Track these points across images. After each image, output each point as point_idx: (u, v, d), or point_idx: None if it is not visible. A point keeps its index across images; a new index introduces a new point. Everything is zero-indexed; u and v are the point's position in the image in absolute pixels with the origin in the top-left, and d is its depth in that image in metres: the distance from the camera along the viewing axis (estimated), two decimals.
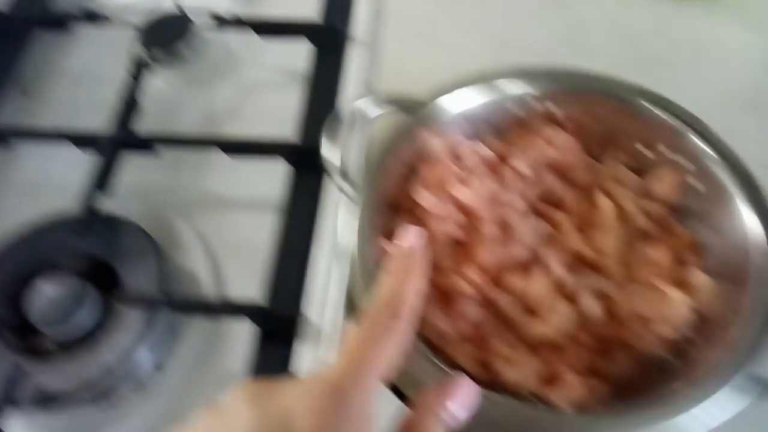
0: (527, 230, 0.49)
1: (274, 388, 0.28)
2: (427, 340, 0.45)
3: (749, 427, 0.49)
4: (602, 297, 0.46)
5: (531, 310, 0.46)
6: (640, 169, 0.53)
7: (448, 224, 0.48)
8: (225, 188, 0.70)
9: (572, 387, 0.42)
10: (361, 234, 0.46)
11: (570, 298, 0.46)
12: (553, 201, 0.53)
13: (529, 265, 0.48)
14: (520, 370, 0.43)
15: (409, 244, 0.34)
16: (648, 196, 0.52)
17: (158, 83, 0.80)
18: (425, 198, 0.48)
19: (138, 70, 0.73)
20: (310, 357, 0.55)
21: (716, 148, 0.48)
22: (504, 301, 0.46)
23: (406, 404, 0.41)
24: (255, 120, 0.75)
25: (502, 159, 0.53)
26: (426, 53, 0.64)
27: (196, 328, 0.60)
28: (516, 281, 0.46)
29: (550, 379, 0.44)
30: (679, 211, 0.51)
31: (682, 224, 0.51)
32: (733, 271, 0.45)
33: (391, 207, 0.51)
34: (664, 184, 0.51)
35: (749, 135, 0.67)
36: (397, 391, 0.42)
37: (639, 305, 0.45)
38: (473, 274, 0.46)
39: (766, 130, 0.67)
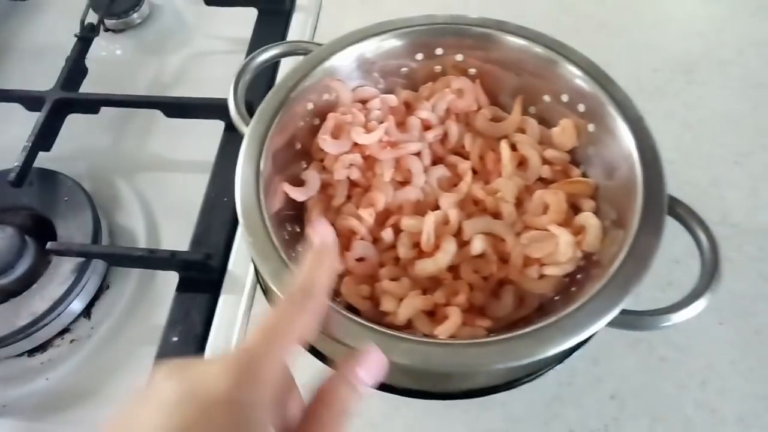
0: (428, 176, 0.51)
1: (193, 361, 0.30)
2: None
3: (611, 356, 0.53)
4: (494, 239, 0.47)
5: (421, 250, 0.47)
6: (546, 119, 0.53)
7: (350, 169, 0.50)
8: (166, 150, 0.72)
9: (454, 322, 0.43)
10: (245, 180, 0.44)
11: (461, 239, 0.47)
12: (459, 151, 0.54)
13: (425, 208, 0.49)
14: (406, 306, 0.44)
15: (321, 241, 0.37)
16: (550, 144, 0.52)
17: (109, 49, 0.82)
18: (328, 144, 0.50)
19: (86, 35, 0.74)
20: (232, 308, 0.56)
21: (617, 100, 0.48)
22: (395, 240, 0.48)
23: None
24: (200, 85, 0.76)
25: (410, 108, 0.54)
26: (366, 18, 0.64)
27: (127, 280, 0.62)
28: (409, 222, 0.48)
29: (435, 315, 0.45)
30: (579, 158, 0.52)
31: (580, 170, 0.51)
32: (620, 214, 0.45)
33: (301, 154, 0.52)
34: (565, 133, 0.51)
35: (679, 96, 0.68)
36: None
37: (529, 248, 0.46)
38: (367, 215, 0.48)
39: (695, 91, 0.67)
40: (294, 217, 0.50)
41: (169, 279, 0.59)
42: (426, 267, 0.46)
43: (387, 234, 0.48)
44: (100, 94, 0.70)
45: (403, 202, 0.50)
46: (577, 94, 0.50)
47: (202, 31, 0.83)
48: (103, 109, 0.71)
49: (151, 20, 0.85)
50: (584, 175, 0.51)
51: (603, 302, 0.39)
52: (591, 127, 0.50)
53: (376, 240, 0.49)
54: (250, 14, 0.80)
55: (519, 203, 0.49)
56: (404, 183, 0.51)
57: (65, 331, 0.60)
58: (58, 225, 0.62)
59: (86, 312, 0.61)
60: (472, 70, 0.54)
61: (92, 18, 0.77)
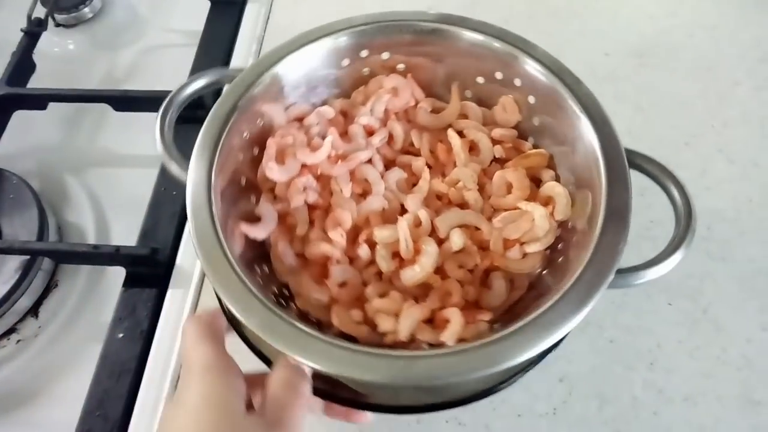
0: (386, 182, 0.49)
1: None
2: (309, 317, 0.44)
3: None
4: (469, 230, 0.47)
5: (402, 259, 0.46)
6: (484, 99, 0.53)
7: (305, 193, 0.47)
8: (117, 145, 0.71)
9: (457, 324, 0.41)
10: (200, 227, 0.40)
11: (438, 238, 0.46)
12: (408, 149, 0.52)
13: (391, 215, 0.48)
14: (406, 320, 0.42)
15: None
16: (495, 123, 0.52)
17: (61, 44, 0.81)
18: (275, 171, 0.47)
19: (33, 29, 0.73)
20: (179, 302, 0.56)
21: (548, 65, 0.47)
22: (372, 255, 0.46)
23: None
24: (154, 79, 0.76)
25: (348, 117, 0.52)
26: (319, 8, 0.64)
27: (76, 277, 0.61)
28: (383, 233, 0.46)
29: (433, 322, 0.43)
30: (525, 131, 0.51)
31: (530, 143, 0.51)
32: (580, 176, 0.45)
33: (248, 188, 0.48)
34: (507, 109, 0.51)
35: (630, 80, 0.68)
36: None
37: (506, 230, 0.45)
38: (337, 236, 0.45)
39: (646, 74, 0.67)
40: (260, 255, 0.47)
41: (120, 275, 0.58)
42: (414, 275, 0.44)
43: (363, 251, 0.46)
44: (46, 90, 0.69)
45: (368, 214, 0.48)
46: (511, 70, 0.49)
47: (155, 25, 0.82)
48: (53, 106, 0.70)
49: (103, 14, 0.83)
50: (535, 146, 0.51)
51: (594, 273, 0.38)
52: (531, 99, 0.49)
53: (352, 260, 0.46)
54: (203, 6, 0.79)
55: (481, 188, 0.49)
56: (363, 194, 0.49)
57: (11, 331, 0.59)
58: (2, 223, 0.61)
59: (33, 311, 0.60)
60: (401, 66, 0.53)
61: (40, 13, 0.76)
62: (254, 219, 0.46)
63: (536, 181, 0.49)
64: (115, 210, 0.65)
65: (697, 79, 0.68)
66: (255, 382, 0.37)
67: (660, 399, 0.50)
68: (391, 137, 0.52)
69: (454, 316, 0.42)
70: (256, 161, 0.48)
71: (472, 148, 0.51)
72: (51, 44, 0.79)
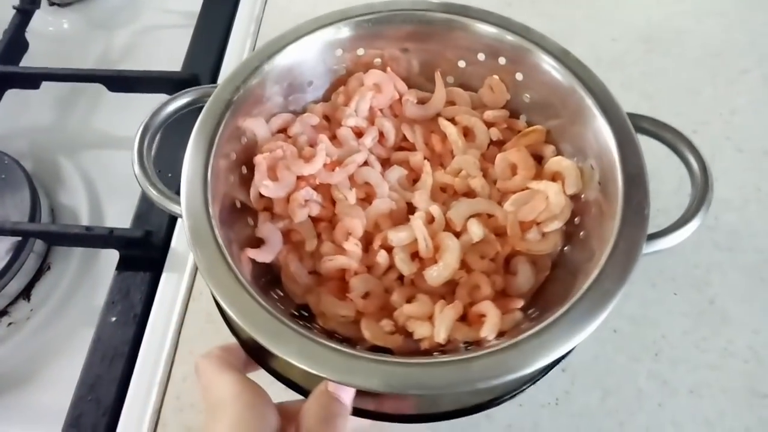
0: (387, 182, 0.47)
1: None
2: (335, 335, 0.42)
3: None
4: (483, 219, 0.45)
5: (422, 259, 0.44)
6: (468, 83, 0.51)
7: (307, 207, 0.45)
8: (111, 126, 0.69)
9: (495, 317, 0.39)
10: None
11: (455, 231, 0.44)
12: (400, 145, 0.51)
13: (400, 216, 0.46)
14: (442, 322, 0.40)
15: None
16: (484, 106, 0.50)
17: (56, 23, 0.79)
18: (271, 189, 0.44)
19: (25, 6, 0.71)
20: (173, 286, 0.54)
21: (530, 38, 0.46)
22: (391, 260, 0.43)
23: None
24: (149, 59, 0.74)
25: (332, 121, 0.50)
26: None
27: (68, 260, 0.60)
28: (399, 236, 0.43)
29: (467, 318, 0.42)
30: (516, 110, 0.50)
31: (524, 121, 0.50)
32: (580, 145, 0.44)
33: (242, 211, 0.45)
34: (495, 90, 0.49)
35: (637, 66, 0.67)
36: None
37: (521, 213, 0.44)
38: (352, 246, 0.43)
39: (653, 61, 0.66)
40: (270, 281, 0.44)
41: (113, 258, 0.57)
42: (440, 274, 0.42)
43: (382, 257, 0.43)
44: (39, 68, 0.67)
45: (377, 219, 0.46)
46: (492, 49, 0.48)
47: (152, 5, 0.80)
48: (48, 86, 0.68)
49: None
50: (529, 123, 0.50)
51: (628, 242, 0.37)
52: (519, 76, 0.48)
53: (369, 268, 0.44)
54: None
55: (484, 174, 0.47)
56: (367, 198, 0.47)
57: (2, 314, 0.58)
58: None
59: (25, 294, 0.58)
60: (377, 61, 0.51)
61: None
62: (256, 242, 0.44)
63: (537, 159, 0.48)
64: (109, 192, 0.64)
65: (706, 66, 0.66)
66: (288, 412, 0.34)
67: (665, 391, 0.49)
68: (381, 135, 0.50)
69: (490, 310, 0.40)
70: (246, 181, 0.45)
71: (467, 134, 0.50)
72: (45, 23, 0.78)
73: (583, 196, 0.44)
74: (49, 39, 0.76)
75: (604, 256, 0.37)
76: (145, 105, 0.67)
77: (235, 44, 0.70)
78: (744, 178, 0.59)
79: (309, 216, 0.45)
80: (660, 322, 0.52)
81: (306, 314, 0.43)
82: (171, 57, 0.71)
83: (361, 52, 0.50)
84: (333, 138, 0.48)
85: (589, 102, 0.43)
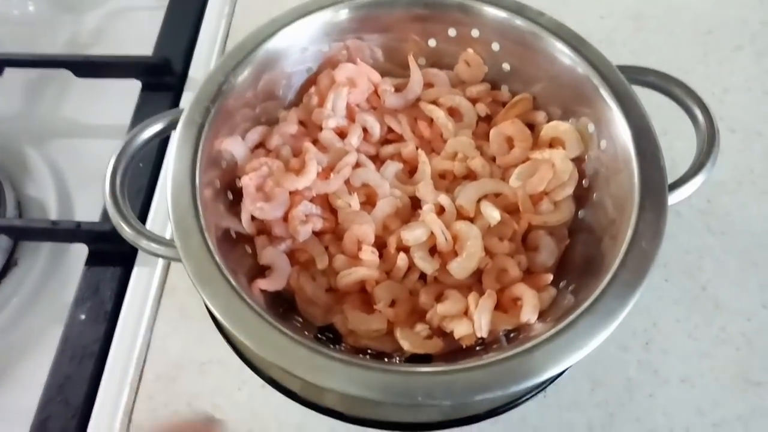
0: (386, 179, 0.44)
1: None
2: (371, 350, 0.40)
3: None
4: (492, 199, 0.43)
5: (441, 254, 0.42)
6: (443, 62, 0.49)
7: (309, 223, 0.42)
8: (80, 114, 0.66)
9: (532, 298, 0.38)
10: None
11: (468, 218, 0.42)
12: (390, 138, 0.48)
13: (406, 212, 0.44)
14: (481, 315, 0.38)
15: None
16: (462, 83, 0.48)
17: (21, 7, 0.75)
18: (266, 210, 0.41)
19: None
20: (145, 282, 0.52)
21: (504, 5, 0.44)
22: (410, 262, 0.41)
23: None
24: (120, 44, 0.71)
25: (309, 126, 0.47)
26: None
27: (36, 255, 0.57)
28: (414, 234, 0.41)
29: (502, 306, 0.40)
30: (497, 81, 0.48)
31: (509, 90, 0.48)
32: (568, 106, 0.44)
33: (237, 240, 0.42)
34: (472, 64, 0.47)
35: (627, 44, 0.64)
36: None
37: (529, 186, 0.42)
38: (369, 254, 0.41)
39: (643, 38, 0.64)
40: (289, 308, 0.42)
41: (83, 253, 0.55)
42: (466, 265, 0.40)
43: (402, 260, 0.41)
44: (2, 54, 0.64)
45: (385, 220, 0.43)
46: (465, 23, 0.46)
47: None
48: (13, 73, 0.65)
49: None
50: (513, 93, 0.48)
51: (653, 197, 0.37)
52: (495, 46, 0.46)
53: (387, 274, 0.42)
54: None
55: (480, 153, 0.45)
56: (368, 201, 0.44)
57: None
58: None
59: None
60: (344, 53, 0.48)
61: None
62: (260, 271, 0.41)
63: (530, 127, 0.46)
64: (78, 184, 0.61)
65: (697, 44, 0.64)
66: None
67: (656, 380, 0.47)
68: (365, 131, 0.47)
69: (526, 292, 0.39)
70: (234, 207, 0.42)
71: (453, 114, 0.48)
72: (9, 5, 0.74)
73: (586, 157, 0.43)
74: (14, 23, 0.73)
75: (633, 215, 0.36)
76: (116, 91, 0.66)
77: (208, 26, 0.67)
78: (737, 160, 0.57)
79: (312, 231, 0.42)
80: (651, 310, 0.50)
81: (330, 335, 0.41)
82: (142, 41, 0.68)
83: (326, 47, 0.47)
84: (315, 143, 0.45)
85: (573, 58, 0.42)
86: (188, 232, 0.36)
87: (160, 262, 0.53)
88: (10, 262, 0.57)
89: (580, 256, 0.42)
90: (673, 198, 0.38)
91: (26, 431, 0.46)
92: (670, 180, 0.39)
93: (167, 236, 0.46)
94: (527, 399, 0.43)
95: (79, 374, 0.48)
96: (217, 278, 0.34)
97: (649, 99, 0.43)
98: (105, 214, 0.55)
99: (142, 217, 0.55)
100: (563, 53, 0.43)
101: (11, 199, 0.59)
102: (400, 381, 0.31)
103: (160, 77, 0.62)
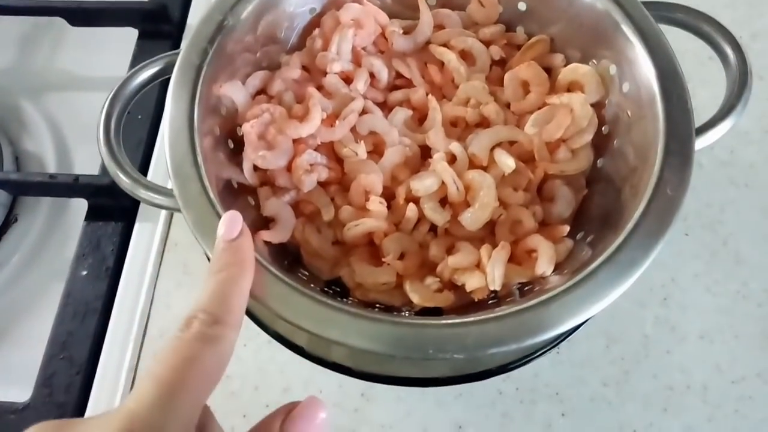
0: (395, 126, 0.42)
1: (70, 423, 0.23)
2: (380, 304, 0.38)
3: None
4: (506, 147, 0.41)
5: (453, 204, 0.40)
6: (455, 2, 0.46)
7: (314, 172, 0.40)
8: (76, 66, 0.64)
9: (548, 249, 0.36)
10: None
11: (480, 167, 0.40)
12: (398, 83, 0.45)
13: (415, 161, 0.42)
14: (494, 267, 0.36)
15: (232, 233, 0.28)
16: (476, 24, 0.46)
17: None
18: (268, 159, 0.38)
19: None
20: (147, 237, 0.51)
21: None
22: (418, 212, 0.39)
23: None
24: None
25: (312, 71, 0.44)
26: None
27: (36, 211, 0.56)
28: (424, 183, 0.39)
29: (517, 258, 0.38)
30: (512, 22, 0.46)
31: (524, 32, 0.46)
32: (586, 49, 0.41)
33: (240, 191, 0.40)
34: (485, 3, 0.45)
35: None
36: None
37: (545, 133, 0.40)
38: (376, 205, 0.39)
39: None
40: (294, 260, 0.40)
41: (83, 208, 0.53)
42: (479, 216, 0.38)
43: (411, 211, 0.39)
44: None
45: (393, 170, 0.41)
46: None
47: None
48: (5, 22, 0.63)
49: None
50: (528, 35, 0.46)
51: (678, 142, 0.35)
52: None
53: (396, 226, 0.40)
54: None
55: (494, 98, 0.43)
56: (375, 150, 0.42)
57: None
58: None
59: None
60: None
61: None
62: (264, 223, 0.39)
63: (547, 71, 0.44)
64: (76, 137, 0.60)
65: None
66: None
67: (673, 337, 0.46)
68: (371, 77, 0.44)
69: (541, 243, 0.37)
70: (235, 157, 0.40)
71: (465, 57, 0.45)
72: None
73: (607, 102, 0.41)
74: None
75: (658, 160, 0.34)
76: (113, 41, 0.63)
77: None
78: (764, 108, 0.54)
79: (318, 182, 0.40)
80: (669, 265, 0.49)
81: (338, 289, 0.40)
82: None
83: None
84: (320, 89, 0.43)
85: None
86: (187, 180, 0.34)
87: (162, 217, 0.51)
88: (10, 219, 0.56)
89: (598, 208, 0.40)
90: (700, 143, 0.36)
91: (31, 388, 0.46)
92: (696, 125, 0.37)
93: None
94: (539, 355, 0.41)
95: (83, 331, 0.47)
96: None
97: (671, 43, 0.40)
98: (104, 168, 0.53)
99: (143, 171, 0.54)
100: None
101: (8, 154, 0.57)
102: (410, 333, 0.30)
103: (157, 25, 0.59)
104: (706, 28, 0.40)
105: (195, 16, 0.60)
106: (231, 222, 0.28)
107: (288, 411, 0.26)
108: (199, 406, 0.24)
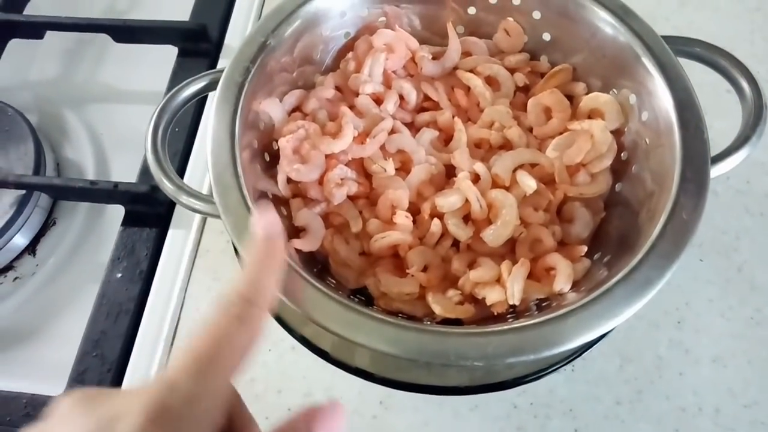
0: (422, 146, 0.44)
1: (106, 393, 0.25)
2: (403, 313, 0.40)
3: None
4: (528, 169, 0.43)
5: (475, 222, 0.42)
6: (482, 31, 0.49)
7: (344, 186, 0.42)
8: (117, 79, 0.67)
9: (566, 268, 0.38)
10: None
11: (503, 187, 0.42)
12: (426, 105, 0.48)
13: (440, 179, 0.44)
14: (514, 283, 0.38)
15: (266, 233, 0.30)
16: (501, 52, 0.48)
17: None
18: (302, 173, 0.41)
19: None
20: (180, 243, 0.53)
21: None
22: (444, 228, 0.41)
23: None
24: (156, 9, 0.71)
25: (345, 92, 0.47)
26: None
27: (74, 215, 0.58)
28: (448, 200, 0.40)
29: (535, 275, 0.40)
30: (536, 51, 0.48)
31: (548, 61, 0.48)
32: (608, 79, 0.43)
33: (277, 203, 0.42)
34: (512, 33, 0.47)
35: (670, 20, 0.62)
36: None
37: (566, 157, 0.42)
38: (402, 219, 0.41)
39: (688, 15, 0.62)
40: (322, 269, 0.43)
41: (119, 214, 0.56)
42: (501, 233, 0.40)
43: (436, 226, 0.41)
44: (43, 17, 0.64)
45: (419, 187, 0.43)
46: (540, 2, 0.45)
47: None
48: (53, 37, 0.66)
49: None
50: (552, 63, 0.48)
51: (694, 169, 0.37)
52: (536, 14, 0.46)
53: (420, 240, 0.42)
54: None
55: (518, 123, 0.45)
56: (402, 167, 0.44)
57: (8, 268, 0.57)
58: None
59: (31, 249, 0.57)
60: (382, 20, 0.48)
61: None
62: (295, 233, 0.42)
63: (569, 99, 0.46)
64: (114, 146, 0.62)
65: (744, 21, 0.62)
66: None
67: (686, 359, 0.47)
68: (401, 98, 0.47)
69: (560, 262, 0.39)
70: (269, 169, 0.43)
71: (491, 83, 0.47)
72: None
73: (626, 129, 0.43)
74: None
75: (674, 186, 0.36)
76: (152, 58, 0.66)
77: None
78: None
79: (347, 195, 0.43)
80: (684, 290, 0.50)
81: (362, 298, 0.42)
82: (179, 6, 0.69)
83: (364, 12, 0.47)
84: (352, 108, 0.45)
85: (618, 29, 0.42)
86: (227, 188, 0.36)
87: (195, 225, 0.54)
88: (49, 222, 0.58)
89: (616, 230, 0.42)
90: (715, 171, 0.38)
91: (65, 384, 0.48)
92: (711, 154, 0.38)
93: None
94: (554, 370, 0.42)
95: (115, 330, 0.49)
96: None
97: (689, 76, 0.42)
98: (141, 176, 0.56)
99: None
100: (606, 22, 0.42)
101: (50, 160, 0.60)
102: (433, 340, 0.32)
103: (197, 43, 0.62)
104: (723, 63, 0.42)
105: (232, 36, 0.63)
106: (268, 221, 0.30)
107: (310, 414, 0.27)
108: (230, 381, 0.26)
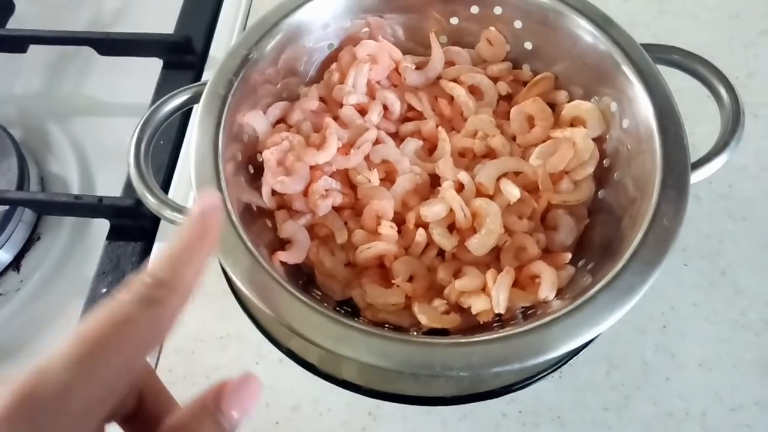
0: (406, 156, 0.44)
1: None
2: (389, 324, 0.40)
3: None
4: (512, 177, 0.43)
5: (459, 231, 0.42)
6: (465, 41, 0.49)
7: (329, 197, 0.42)
8: (102, 93, 0.67)
9: (550, 276, 0.38)
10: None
11: (487, 196, 0.42)
12: (410, 115, 0.48)
13: (425, 189, 0.44)
14: (499, 292, 0.38)
15: (203, 210, 0.26)
16: (484, 61, 0.48)
17: None
18: (287, 184, 0.41)
19: None
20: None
21: None
22: (429, 238, 0.41)
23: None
24: (140, 22, 0.71)
25: (329, 103, 0.47)
26: None
27: (59, 230, 0.58)
28: (433, 210, 0.41)
29: (520, 283, 0.40)
30: (518, 59, 0.48)
31: (530, 70, 0.48)
32: (589, 86, 0.44)
33: (259, 214, 0.42)
34: (494, 42, 0.47)
35: (649, 27, 0.63)
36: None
37: (549, 164, 0.42)
38: (387, 229, 0.41)
39: (666, 23, 0.63)
40: (308, 281, 0.43)
41: (105, 228, 0.55)
42: (485, 242, 0.40)
43: (420, 236, 0.41)
44: (26, 30, 0.64)
45: (404, 197, 0.43)
46: (488, 1, 0.46)
47: None
48: (36, 50, 0.66)
49: None
50: (534, 72, 0.48)
51: (675, 175, 0.37)
52: (518, 24, 0.47)
53: (406, 250, 0.42)
54: None
55: (501, 131, 0.46)
56: (387, 177, 0.45)
57: None
58: None
59: (15, 264, 0.57)
60: (365, 30, 0.48)
61: None
62: (280, 245, 0.42)
63: (551, 107, 0.46)
64: (99, 160, 0.62)
65: (723, 28, 0.63)
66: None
67: (672, 364, 0.47)
68: (385, 108, 0.47)
69: (544, 269, 0.39)
70: (254, 181, 0.43)
71: (474, 92, 0.48)
72: None
73: (608, 136, 0.43)
74: (37, 2, 0.73)
75: (655, 192, 0.36)
76: (137, 70, 0.66)
77: (229, 6, 0.68)
78: (760, 145, 0.56)
79: (332, 206, 0.43)
80: (668, 294, 0.50)
81: (349, 309, 0.42)
82: (163, 19, 0.69)
83: (348, 23, 0.47)
84: (336, 119, 0.45)
85: (598, 38, 0.42)
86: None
87: None
88: (33, 237, 0.58)
89: (600, 236, 0.42)
90: (696, 177, 0.38)
91: None
92: (692, 160, 0.39)
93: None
94: (541, 378, 0.43)
95: None
96: (239, 247, 0.34)
97: (669, 83, 0.42)
98: (126, 190, 0.56)
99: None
100: (587, 31, 0.43)
101: (34, 175, 0.60)
102: (418, 351, 0.32)
103: (181, 56, 0.62)
104: (701, 69, 0.42)
105: (217, 48, 0.63)
106: (207, 197, 0.26)
107: (219, 390, 0.24)
108: (128, 371, 0.22)
